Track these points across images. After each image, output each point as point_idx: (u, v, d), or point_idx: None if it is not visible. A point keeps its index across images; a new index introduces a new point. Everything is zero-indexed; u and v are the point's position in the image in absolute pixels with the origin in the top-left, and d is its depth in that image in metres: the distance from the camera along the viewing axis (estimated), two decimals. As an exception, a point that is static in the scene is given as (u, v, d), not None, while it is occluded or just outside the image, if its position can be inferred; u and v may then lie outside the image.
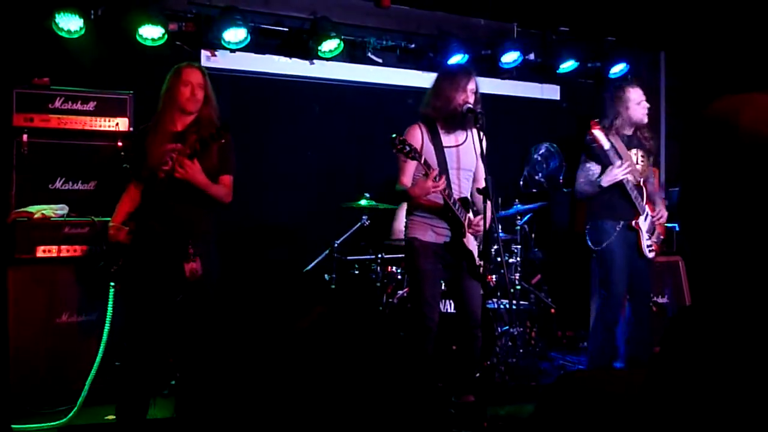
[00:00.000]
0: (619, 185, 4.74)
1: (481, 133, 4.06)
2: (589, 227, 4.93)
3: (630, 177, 4.76)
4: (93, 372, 4.30)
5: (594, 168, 4.83)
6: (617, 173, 4.66)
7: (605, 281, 4.83)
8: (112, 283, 4.23)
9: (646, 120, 4.88)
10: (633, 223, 4.78)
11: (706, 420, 1.07)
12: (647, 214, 4.84)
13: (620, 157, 4.70)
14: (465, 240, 4.13)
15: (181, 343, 3.95)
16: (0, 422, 3.87)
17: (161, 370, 4.54)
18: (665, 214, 5.00)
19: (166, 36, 5.37)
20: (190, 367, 3.97)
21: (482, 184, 4.23)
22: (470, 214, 4.16)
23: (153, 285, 3.80)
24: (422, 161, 3.85)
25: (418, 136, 4.09)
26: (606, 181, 4.70)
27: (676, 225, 6.31)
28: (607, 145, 4.67)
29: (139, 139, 3.93)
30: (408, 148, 3.78)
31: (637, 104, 4.84)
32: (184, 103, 3.86)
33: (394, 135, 3.81)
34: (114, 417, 3.94)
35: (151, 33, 5.34)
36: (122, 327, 4.35)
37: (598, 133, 4.68)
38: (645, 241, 4.80)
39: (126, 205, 3.89)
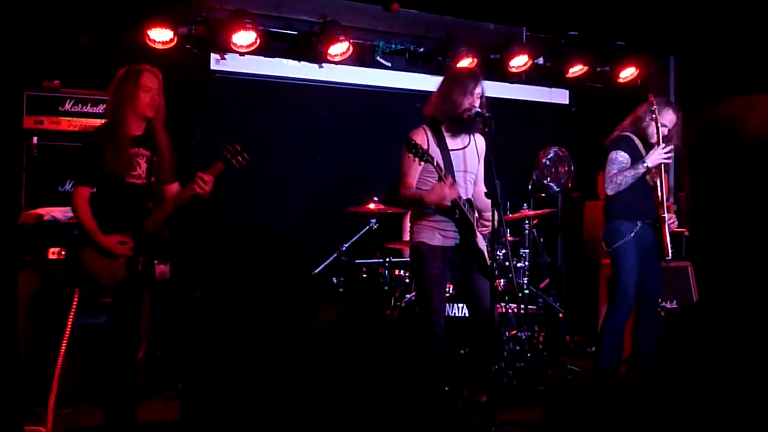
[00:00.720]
0: (645, 181, 4.72)
1: (483, 138, 4.09)
2: (605, 229, 4.90)
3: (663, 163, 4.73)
4: (57, 373, 4.24)
5: (624, 158, 4.76)
6: (661, 153, 4.63)
7: (616, 282, 4.82)
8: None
9: (652, 140, 4.82)
10: (661, 213, 4.74)
11: (706, 419, 1.07)
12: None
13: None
14: (476, 239, 4.13)
15: (186, 342, 4.03)
16: (14, 423, 3.89)
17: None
18: (675, 221, 4.97)
19: (175, 39, 5.39)
20: (193, 369, 4.01)
21: (483, 188, 4.26)
22: (476, 214, 4.16)
23: (133, 290, 3.83)
24: (435, 164, 3.85)
25: (423, 138, 4.07)
26: (652, 159, 4.63)
27: (685, 230, 6.29)
28: (660, 121, 4.65)
29: (91, 143, 3.80)
30: (421, 151, 3.80)
31: (656, 122, 4.78)
32: (144, 110, 3.79)
33: (408, 137, 3.86)
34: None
35: (161, 36, 5.36)
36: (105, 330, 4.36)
37: (656, 105, 4.66)
38: (668, 237, 4.78)
39: (90, 214, 3.75)
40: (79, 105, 4.89)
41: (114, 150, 3.72)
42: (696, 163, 1.23)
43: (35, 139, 4.76)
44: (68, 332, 4.06)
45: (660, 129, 4.72)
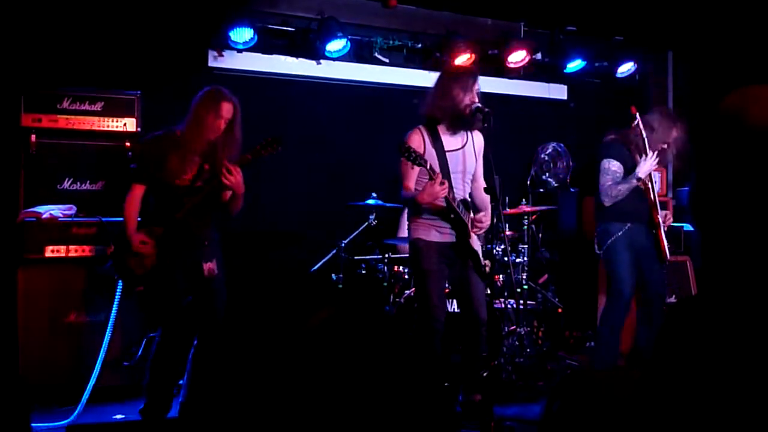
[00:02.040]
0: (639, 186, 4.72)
1: (481, 135, 4.11)
2: (596, 232, 4.93)
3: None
4: (96, 371, 4.30)
5: (617, 167, 4.77)
6: (651, 163, 4.63)
7: (611, 280, 4.83)
8: (120, 282, 4.31)
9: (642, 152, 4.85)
10: (657, 218, 4.75)
11: (702, 411, 1.07)
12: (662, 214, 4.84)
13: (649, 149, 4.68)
14: (470, 240, 4.13)
15: (198, 342, 4.10)
16: (17, 420, 3.88)
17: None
18: (669, 216, 5.00)
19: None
20: (200, 365, 4.05)
21: (482, 184, 4.27)
22: (472, 214, 4.16)
23: (178, 286, 4.03)
24: (428, 167, 3.85)
25: (419, 141, 4.08)
26: (643, 171, 4.63)
27: (684, 225, 6.29)
28: (645, 133, 4.64)
29: (154, 146, 4.05)
30: (414, 155, 3.80)
31: (667, 139, 4.79)
32: (209, 134, 4.03)
33: (402, 141, 3.89)
34: (123, 416, 4.05)
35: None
36: (132, 328, 4.49)
37: (640, 118, 4.67)
38: (665, 242, 4.80)
39: (136, 211, 4.03)
40: (77, 103, 4.88)
41: (172, 155, 3.97)
42: (702, 152, 1.23)
43: (33, 137, 4.75)
44: (112, 322, 4.36)
45: (645, 138, 4.71)
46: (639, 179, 4.66)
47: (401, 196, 4.19)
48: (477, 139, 4.27)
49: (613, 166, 4.78)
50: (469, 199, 4.23)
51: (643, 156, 4.65)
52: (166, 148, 3.99)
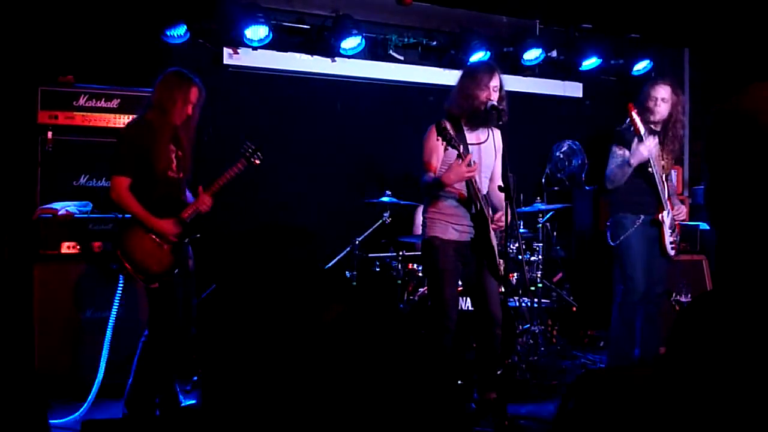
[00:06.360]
0: (646, 176, 4.69)
1: (499, 131, 4.09)
2: (609, 222, 4.90)
3: (656, 163, 4.70)
4: (102, 366, 4.30)
5: (623, 153, 4.75)
6: (643, 150, 4.60)
7: (624, 275, 4.80)
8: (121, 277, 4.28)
9: (663, 117, 4.80)
10: (659, 216, 4.74)
11: (716, 411, 1.06)
12: (669, 211, 4.80)
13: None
14: (490, 236, 4.11)
15: (204, 338, 4.14)
16: (35, 414, 3.91)
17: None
18: (684, 210, 4.96)
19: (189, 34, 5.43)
20: (212, 358, 4.07)
21: (499, 182, 4.24)
22: (491, 212, 4.15)
23: (176, 281, 4.00)
24: (460, 149, 3.85)
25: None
26: (635, 159, 4.62)
27: (700, 223, 6.25)
28: (642, 129, 4.63)
29: (139, 133, 3.89)
30: (450, 135, 3.80)
31: (660, 101, 4.77)
32: (177, 120, 3.96)
33: (438, 121, 3.88)
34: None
35: (175, 31, 5.41)
36: (145, 323, 4.48)
37: (636, 116, 4.64)
38: (668, 237, 4.76)
39: (135, 200, 3.84)
40: (93, 100, 4.92)
41: (158, 145, 3.88)
42: (716, 151, 1.22)
43: (50, 134, 4.80)
44: (113, 320, 4.28)
45: (640, 126, 4.69)
46: (630, 164, 4.66)
47: (422, 180, 4.13)
48: (498, 137, 4.25)
49: (618, 151, 4.81)
50: (488, 196, 4.21)
51: (639, 142, 4.63)
52: (149, 136, 3.87)
